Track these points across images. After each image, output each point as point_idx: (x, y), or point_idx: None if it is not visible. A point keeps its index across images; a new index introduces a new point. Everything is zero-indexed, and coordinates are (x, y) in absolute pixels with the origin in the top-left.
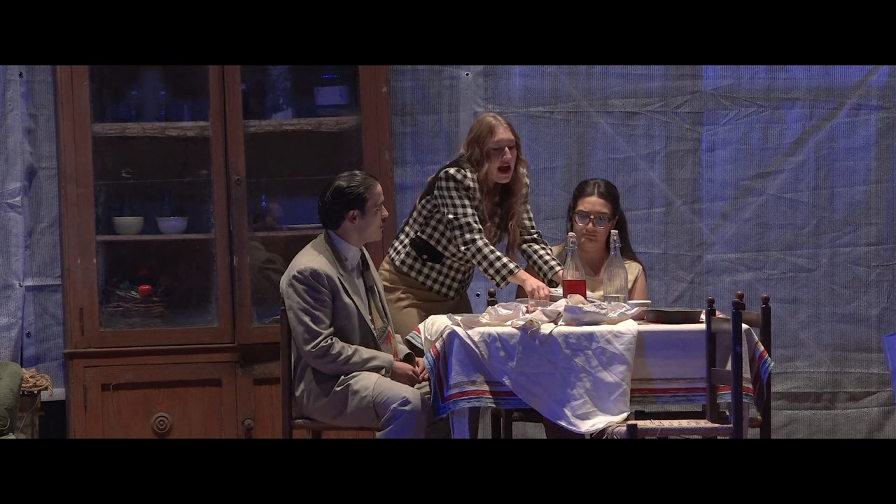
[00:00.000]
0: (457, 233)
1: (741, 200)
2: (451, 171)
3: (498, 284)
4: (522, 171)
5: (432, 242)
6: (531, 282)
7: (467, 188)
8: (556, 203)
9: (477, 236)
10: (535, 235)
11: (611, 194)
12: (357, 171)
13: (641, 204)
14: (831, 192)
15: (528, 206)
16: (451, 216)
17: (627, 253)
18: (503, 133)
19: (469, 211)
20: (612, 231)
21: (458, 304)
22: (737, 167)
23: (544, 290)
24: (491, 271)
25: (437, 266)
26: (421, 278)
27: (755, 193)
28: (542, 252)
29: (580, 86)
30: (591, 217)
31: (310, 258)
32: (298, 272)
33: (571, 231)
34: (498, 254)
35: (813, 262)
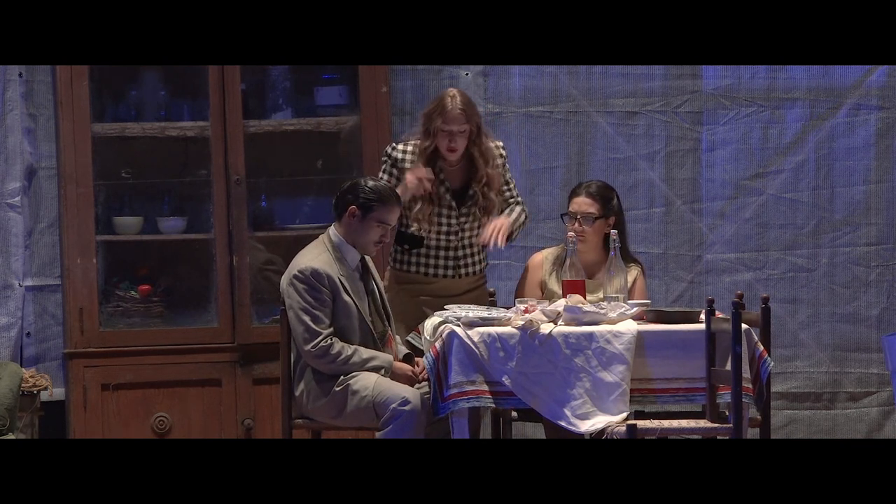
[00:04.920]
0: None
1: (741, 200)
2: (388, 147)
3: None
4: (488, 155)
5: (409, 230)
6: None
7: (393, 160)
8: (556, 203)
9: None
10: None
11: (601, 195)
12: (390, 188)
13: (641, 204)
14: (831, 192)
15: (510, 182)
16: None
17: (626, 254)
18: (452, 120)
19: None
20: (612, 231)
21: (477, 297)
22: (737, 167)
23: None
24: None
25: (423, 251)
26: (413, 268)
27: (755, 193)
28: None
29: (580, 86)
30: (578, 217)
31: (311, 257)
32: (299, 271)
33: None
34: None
35: (813, 262)
